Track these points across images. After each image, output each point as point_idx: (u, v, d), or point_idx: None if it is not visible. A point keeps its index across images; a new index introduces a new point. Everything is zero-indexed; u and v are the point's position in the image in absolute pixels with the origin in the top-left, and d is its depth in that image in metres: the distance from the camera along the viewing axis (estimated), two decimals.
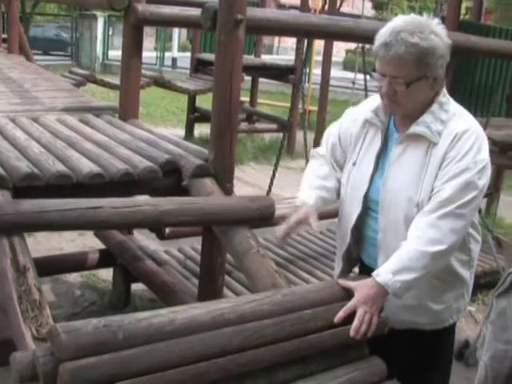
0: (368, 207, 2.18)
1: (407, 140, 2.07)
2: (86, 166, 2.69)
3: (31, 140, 3.04)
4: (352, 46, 23.94)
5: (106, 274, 4.44)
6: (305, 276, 3.97)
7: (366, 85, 5.79)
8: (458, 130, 2.00)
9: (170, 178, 2.95)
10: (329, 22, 3.16)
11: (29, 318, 1.93)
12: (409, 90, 1.97)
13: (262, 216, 2.72)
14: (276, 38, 32.81)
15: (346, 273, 2.34)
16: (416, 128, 2.04)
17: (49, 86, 4.70)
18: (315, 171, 2.34)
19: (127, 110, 3.81)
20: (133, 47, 3.72)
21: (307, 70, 12.21)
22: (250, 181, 7.90)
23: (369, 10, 30.43)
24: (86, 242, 5.02)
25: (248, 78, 10.72)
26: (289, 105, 9.83)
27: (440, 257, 2.00)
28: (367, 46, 5.74)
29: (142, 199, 2.48)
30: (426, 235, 1.97)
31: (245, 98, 11.43)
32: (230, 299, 2.11)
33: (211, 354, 1.76)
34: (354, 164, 2.21)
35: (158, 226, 2.95)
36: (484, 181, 2.01)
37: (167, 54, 19.79)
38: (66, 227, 2.20)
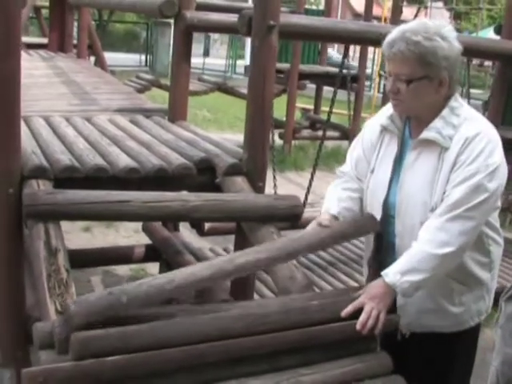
0: (387, 213, 2.23)
1: (420, 146, 2.12)
2: (123, 161, 2.87)
3: (79, 137, 3.26)
4: None
5: (154, 269, 4.63)
6: (332, 280, 4.18)
7: None
8: (469, 134, 2.03)
9: (204, 175, 3.10)
10: (367, 28, 3.23)
11: (55, 294, 2.11)
12: (410, 88, 2.03)
13: (289, 214, 2.81)
14: (351, 47, 32.61)
15: (371, 278, 2.35)
16: (427, 133, 2.08)
17: (108, 88, 4.97)
18: (341, 184, 2.39)
19: (176, 112, 3.99)
20: (182, 52, 3.90)
21: (373, 79, 12.19)
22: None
23: (446, 20, 29.84)
24: (140, 239, 5.24)
25: (312, 86, 10.84)
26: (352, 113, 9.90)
27: (449, 259, 2.04)
28: None
29: (171, 194, 2.63)
30: (436, 238, 2.02)
31: (309, 106, 11.55)
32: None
33: (213, 336, 1.87)
34: (372, 171, 2.27)
35: (185, 220, 3.10)
36: (495, 184, 2.03)
37: (240, 62, 20.12)
38: (97, 218, 2.38)
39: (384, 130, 2.24)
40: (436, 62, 2.00)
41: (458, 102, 2.12)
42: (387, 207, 2.22)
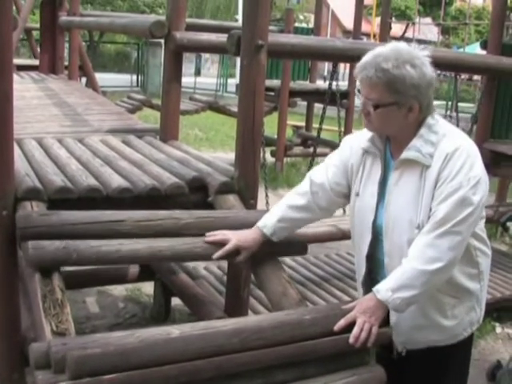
0: (376, 233, 2.26)
1: (402, 166, 2.15)
2: (116, 181, 2.89)
3: (72, 158, 3.28)
4: None
5: (149, 289, 4.65)
6: (325, 295, 4.23)
7: None
8: (449, 150, 2.06)
9: (196, 194, 3.12)
10: (352, 45, 3.30)
11: (50, 314, 2.11)
12: (377, 112, 2.06)
13: None
14: (341, 65, 32.80)
15: None
16: (408, 153, 2.11)
17: (100, 109, 5.00)
18: (291, 201, 2.43)
19: (167, 132, 4.02)
20: (172, 72, 3.94)
21: None
22: None
23: (435, 35, 30.17)
24: None
25: (304, 103, 10.90)
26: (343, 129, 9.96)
27: (439, 273, 2.06)
28: None
29: (163, 212, 2.65)
30: (425, 254, 2.04)
31: (300, 123, 11.61)
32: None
33: (208, 352, 1.88)
34: (357, 194, 2.29)
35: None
36: (479, 196, 2.05)
37: (232, 81, 20.22)
38: (91, 238, 2.39)
39: (366, 152, 2.27)
40: (404, 89, 2.02)
41: (435, 119, 2.15)
42: (376, 228, 2.25)
